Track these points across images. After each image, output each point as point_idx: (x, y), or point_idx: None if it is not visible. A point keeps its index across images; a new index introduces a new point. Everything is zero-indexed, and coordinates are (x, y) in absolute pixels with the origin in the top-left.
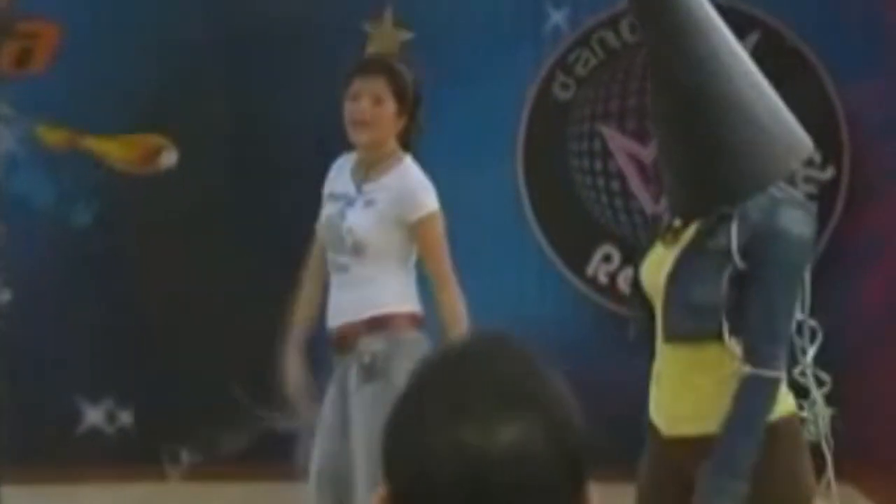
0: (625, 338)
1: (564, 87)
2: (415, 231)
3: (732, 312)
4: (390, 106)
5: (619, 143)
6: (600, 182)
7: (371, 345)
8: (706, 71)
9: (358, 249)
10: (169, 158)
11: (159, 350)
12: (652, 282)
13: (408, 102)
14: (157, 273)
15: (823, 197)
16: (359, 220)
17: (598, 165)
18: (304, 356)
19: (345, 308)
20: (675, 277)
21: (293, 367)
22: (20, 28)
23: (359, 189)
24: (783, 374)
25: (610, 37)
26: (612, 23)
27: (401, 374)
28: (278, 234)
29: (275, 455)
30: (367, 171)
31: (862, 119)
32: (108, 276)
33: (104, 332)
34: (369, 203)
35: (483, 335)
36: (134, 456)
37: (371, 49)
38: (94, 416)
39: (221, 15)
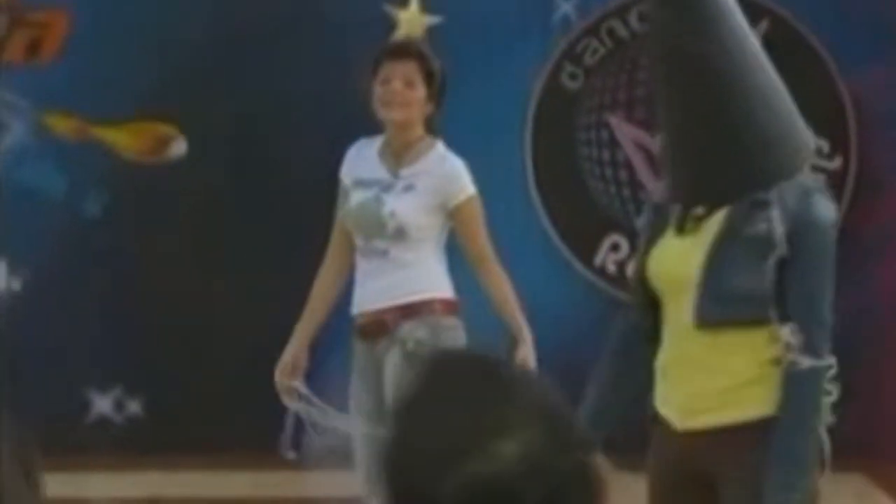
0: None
1: (573, 76)
2: (456, 214)
3: (778, 299)
4: (421, 90)
5: (626, 132)
6: (608, 171)
7: (414, 331)
8: (739, 60)
9: (400, 234)
10: (178, 148)
11: (168, 339)
12: (671, 272)
13: (436, 88)
14: (165, 263)
15: (831, 186)
16: (401, 205)
17: (606, 155)
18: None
19: (382, 293)
20: (710, 265)
21: (298, 357)
22: (29, 18)
23: (394, 174)
24: (834, 361)
25: (618, 26)
26: (621, 12)
27: None
28: (284, 225)
29: (265, 443)
30: (398, 156)
31: (870, 108)
32: (117, 266)
33: (113, 321)
34: (409, 188)
35: (457, 359)
36: (143, 445)
37: (399, 32)
38: (102, 404)
39: (230, 4)
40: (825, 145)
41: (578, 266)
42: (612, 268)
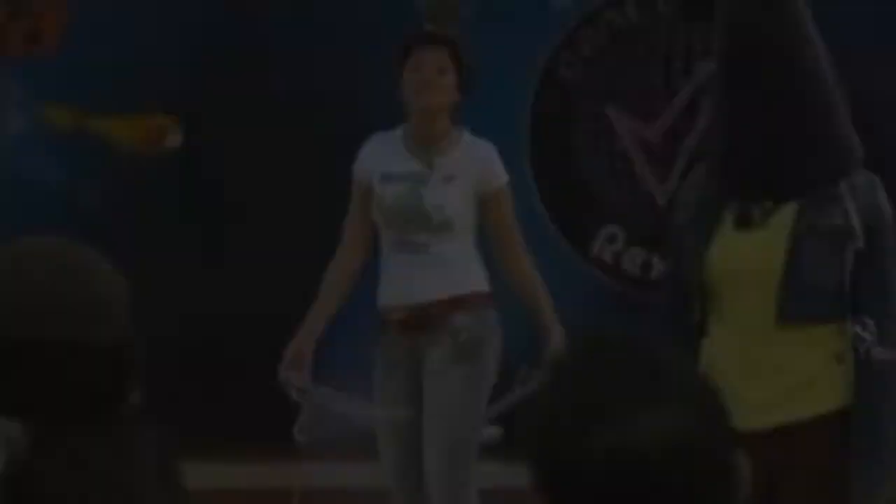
0: (627, 318)
1: (571, 67)
2: (492, 200)
3: (851, 292)
4: (452, 77)
5: (624, 123)
6: (605, 162)
7: (464, 323)
8: (811, 47)
9: (445, 226)
10: (174, 139)
11: (164, 327)
12: (743, 268)
13: (465, 76)
14: (162, 253)
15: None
16: (444, 197)
17: (604, 145)
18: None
19: (427, 287)
20: (792, 261)
21: (303, 349)
22: (28, 9)
23: (428, 165)
24: None
25: (616, 17)
26: (619, 3)
27: (490, 354)
28: (282, 217)
29: (286, 434)
30: (428, 146)
31: (877, 98)
32: (114, 254)
33: None
34: (449, 179)
35: (608, 334)
36: None
37: (430, 14)
38: None
39: None
40: None
41: (575, 256)
42: (608, 258)
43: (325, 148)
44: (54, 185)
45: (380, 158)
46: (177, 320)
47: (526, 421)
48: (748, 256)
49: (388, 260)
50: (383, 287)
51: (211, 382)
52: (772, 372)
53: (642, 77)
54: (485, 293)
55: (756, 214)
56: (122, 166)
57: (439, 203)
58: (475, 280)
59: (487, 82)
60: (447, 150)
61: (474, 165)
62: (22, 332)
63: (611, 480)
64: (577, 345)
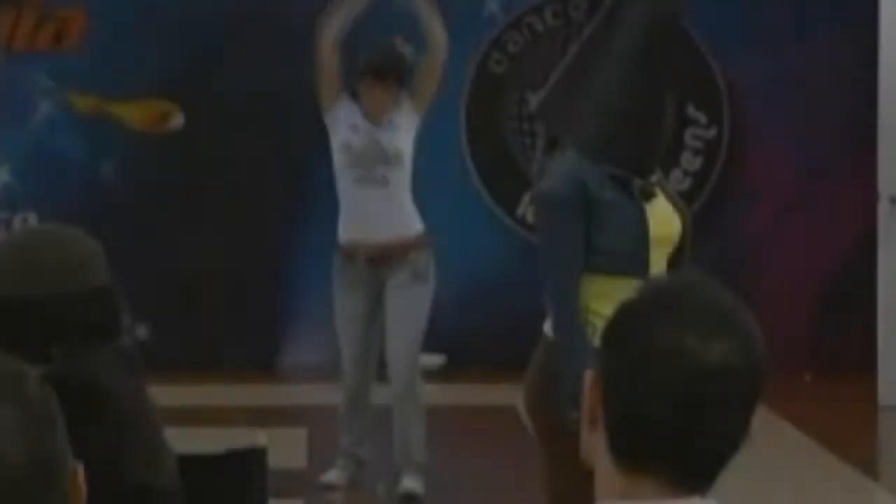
0: None
1: (499, 63)
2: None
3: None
4: (396, 88)
5: None
6: (528, 140)
7: (417, 256)
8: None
9: (397, 158)
10: (176, 121)
11: (169, 276)
12: (666, 233)
13: (404, 79)
14: (168, 215)
15: (708, 151)
16: (393, 138)
17: (526, 127)
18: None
19: (387, 227)
20: (687, 224)
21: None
22: (54, 13)
23: (378, 124)
24: None
25: (536, 21)
26: (538, 10)
27: (433, 277)
28: (267, 185)
29: (270, 363)
30: (380, 120)
31: (740, 86)
32: (128, 218)
33: (124, 263)
34: (396, 127)
35: (693, 274)
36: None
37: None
38: None
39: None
40: (702, 117)
41: (503, 216)
42: (530, 218)
43: (305, 128)
44: (77, 159)
45: (350, 113)
46: (178, 264)
47: (617, 321)
48: (667, 223)
49: (351, 197)
50: (349, 223)
51: (206, 316)
52: None
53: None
54: (424, 233)
55: (649, 187)
56: (133, 144)
57: (391, 142)
58: (418, 224)
59: None
60: (392, 115)
61: (408, 116)
62: (29, 289)
63: (674, 378)
64: (664, 282)
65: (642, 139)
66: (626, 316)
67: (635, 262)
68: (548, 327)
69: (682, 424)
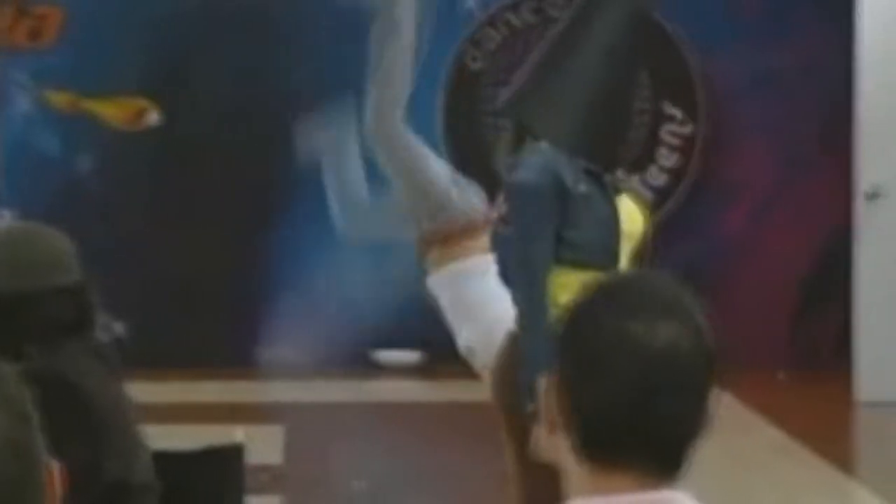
0: None
1: (475, 59)
2: None
3: None
4: None
5: None
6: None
7: None
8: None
9: None
10: (152, 118)
11: (147, 272)
12: (633, 229)
13: None
14: (143, 211)
15: (685, 148)
16: None
17: (503, 122)
18: None
19: None
20: (649, 219)
21: None
22: (31, 10)
23: None
24: None
25: (513, 18)
26: (515, 7)
27: None
28: (244, 183)
29: (248, 359)
30: None
31: (716, 83)
32: (103, 213)
33: (101, 259)
34: None
35: (640, 270)
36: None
37: None
38: None
39: None
40: (679, 114)
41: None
42: (505, 210)
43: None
44: (54, 155)
45: None
46: (155, 261)
47: (568, 318)
48: (628, 218)
49: None
50: None
51: (184, 312)
52: None
53: None
54: None
55: (617, 182)
56: (110, 140)
57: None
58: None
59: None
60: None
61: None
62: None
63: (625, 364)
64: (610, 277)
65: (614, 134)
66: (573, 315)
67: (606, 255)
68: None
69: (639, 413)
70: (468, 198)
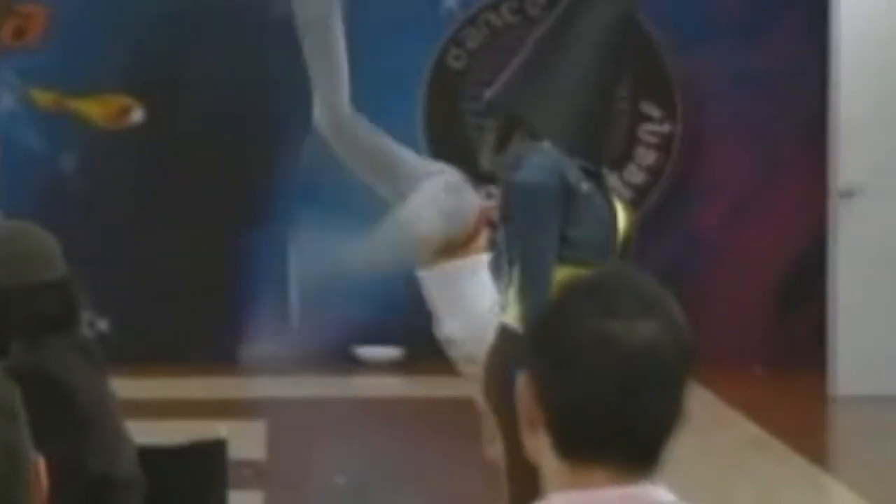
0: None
1: (457, 58)
2: None
3: None
4: None
5: None
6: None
7: None
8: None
9: None
10: (136, 116)
11: (131, 269)
12: (621, 227)
13: None
14: (127, 208)
15: (663, 147)
16: None
17: (484, 121)
18: None
19: None
20: (633, 222)
21: None
22: (16, 9)
23: None
24: None
25: (494, 17)
26: (496, 6)
27: None
28: (227, 178)
29: (229, 356)
30: None
31: (694, 83)
32: (88, 210)
33: (85, 255)
34: None
35: (616, 266)
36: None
37: None
38: None
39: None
40: (657, 113)
41: None
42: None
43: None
44: (39, 153)
45: None
46: (138, 258)
47: (544, 315)
48: (624, 219)
49: None
50: None
51: (167, 309)
52: None
53: None
54: None
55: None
56: (94, 138)
57: None
58: None
59: (393, 72)
60: None
61: None
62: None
63: (604, 363)
64: (588, 275)
65: (603, 132)
66: (552, 313)
67: (605, 254)
68: (509, 316)
69: (619, 409)
70: (469, 201)
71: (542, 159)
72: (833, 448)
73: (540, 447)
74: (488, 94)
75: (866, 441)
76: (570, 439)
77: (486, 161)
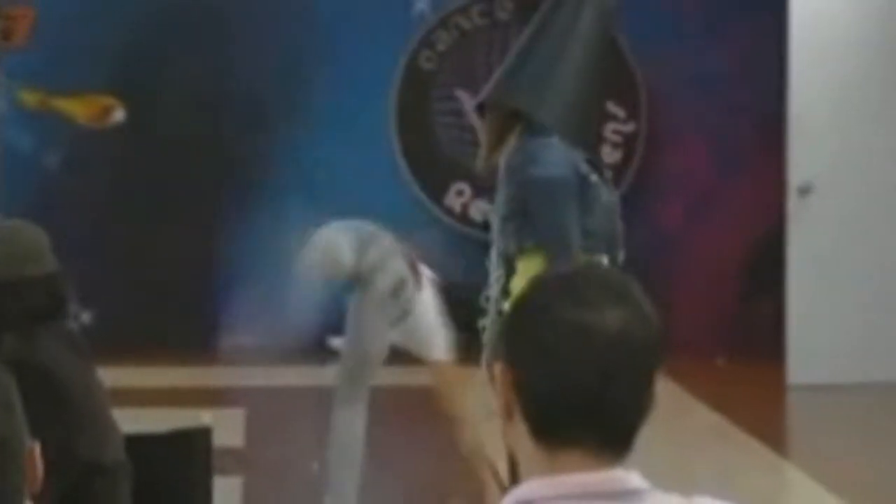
0: (472, 255)
1: (428, 59)
2: None
3: None
4: None
5: (470, 103)
6: (455, 133)
7: None
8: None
9: None
10: (118, 115)
11: (114, 263)
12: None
13: None
14: (110, 204)
15: (627, 145)
16: None
17: (454, 120)
18: None
19: None
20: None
21: None
22: (5, 12)
23: None
24: None
25: (463, 20)
26: (466, 10)
27: None
28: (209, 173)
29: (209, 344)
30: None
31: (657, 83)
32: (72, 206)
33: (69, 249)
34: None
35: (587, 262)
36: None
37: None
38: None
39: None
40: (621, 112)
41: (432, 206)
42: (457, 208)
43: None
44: (26, 150)
45: None
46: (121, 251)
47: (517, 308)
48: None
49: None
50: None
51: (148, 301)
52: None
53: (484, 67)
54: None
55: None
56: (78, 137)
57: None
58: None
59: (366, 73)
60: None
61: None
62: None
63: (578, 351)
64: (559, 270)
65: (596, 125)
66: (527, 305)
67: (611, 243)
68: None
69: (594, 396)
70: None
71: (557, 154)
72: (790, 435)
73: (517, 435)
74: (484, 93)
75: (822, 428)
76: (547, 426)
77: (482, 161)
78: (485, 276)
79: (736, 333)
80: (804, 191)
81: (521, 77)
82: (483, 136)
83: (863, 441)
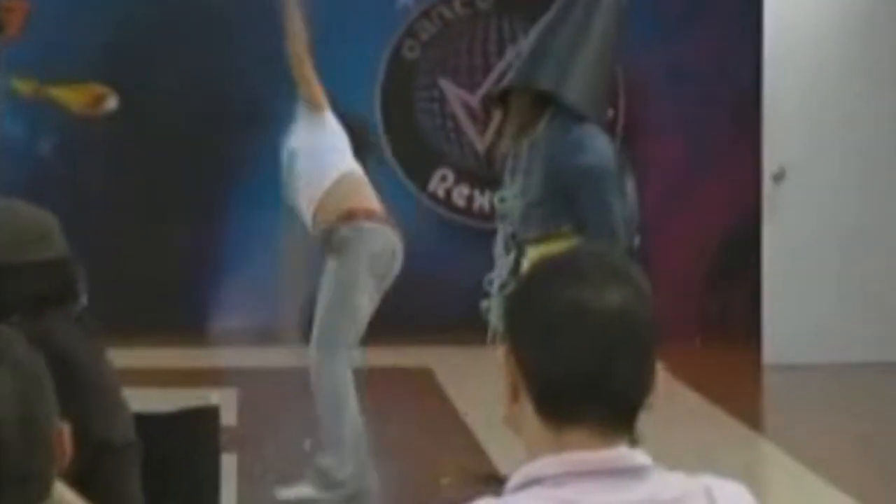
0: (454, 238)
1: (412, 49)
2: None
3: None
4: None
5: (452, 92)
6: (438, 121)
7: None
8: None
9: None
10: (111, 103)
11: (103, 246)
12: None
13: None
14: (102, 189)
15: (606, 132)
16: None
17: (437, 108)
18: None
19: None
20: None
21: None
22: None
23: None
24: None
25: (446, 11)
26: (448, 1)
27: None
28: (197, 162)
29: (188, 327)
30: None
31: (634, 72)
32: (64, 192)
33: (65, 234)
34: None
35: (582, 245)
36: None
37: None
38: None
39: None
40: None
41: (416, 192)
42: (441, 193)
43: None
44: (21, 138)
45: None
46: (115, 237)
47: (519, 288)
48: None
49: None
50: None
51: (139, 282)
52: None
53: (466, 57)
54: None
55: None
56: (71, 124)
57: None
58: None
59: (351, 63)
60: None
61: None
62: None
63: (578, 328)
64: (558, 253)
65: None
66: (528, 287)
67: (632, 228)
68: None
69: (597, 373)
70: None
71: (601, 142)
72: (766, 413)
73: (524, 415)
74: (510, 77)
75: (796, 406)
76: (553, 404)
77: (485, 142)
78: (470, 258)
79: (712, 315)
80: (778, 177)
81: (546, 61)
82: (493, 123)
83: (834, 418)
